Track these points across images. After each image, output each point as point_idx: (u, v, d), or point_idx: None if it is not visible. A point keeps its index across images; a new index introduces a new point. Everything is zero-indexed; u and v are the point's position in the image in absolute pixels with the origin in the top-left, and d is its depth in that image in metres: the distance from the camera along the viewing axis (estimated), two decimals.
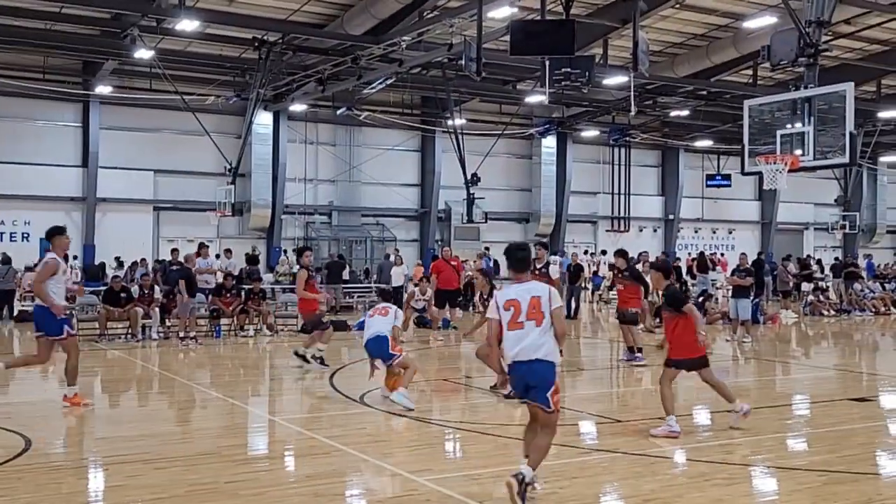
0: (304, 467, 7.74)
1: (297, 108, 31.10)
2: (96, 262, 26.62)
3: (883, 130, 35.07)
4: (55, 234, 10.28)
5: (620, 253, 15.14)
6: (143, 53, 23.80)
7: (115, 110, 30.36)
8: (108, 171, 30.37)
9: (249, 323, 18.89)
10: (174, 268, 19.37)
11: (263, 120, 31.38)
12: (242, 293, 19.22)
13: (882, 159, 42.40)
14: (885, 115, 32.52)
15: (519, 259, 6.50)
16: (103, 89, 28.54)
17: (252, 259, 23.81)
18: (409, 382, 10.12)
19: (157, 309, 17.77)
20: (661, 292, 9.37)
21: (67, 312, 10.88)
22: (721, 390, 8.99)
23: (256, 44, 25.03)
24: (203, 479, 7.05)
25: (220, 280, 19.23)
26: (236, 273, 20.94)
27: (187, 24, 21.71)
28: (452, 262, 21.60)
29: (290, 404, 10.64)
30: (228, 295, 18.74)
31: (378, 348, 10.35)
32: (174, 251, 21.63)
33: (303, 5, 24.39)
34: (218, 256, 22.76)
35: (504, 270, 21.54)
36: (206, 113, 29.35)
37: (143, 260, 25.60)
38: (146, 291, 18.03)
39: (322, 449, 8.21)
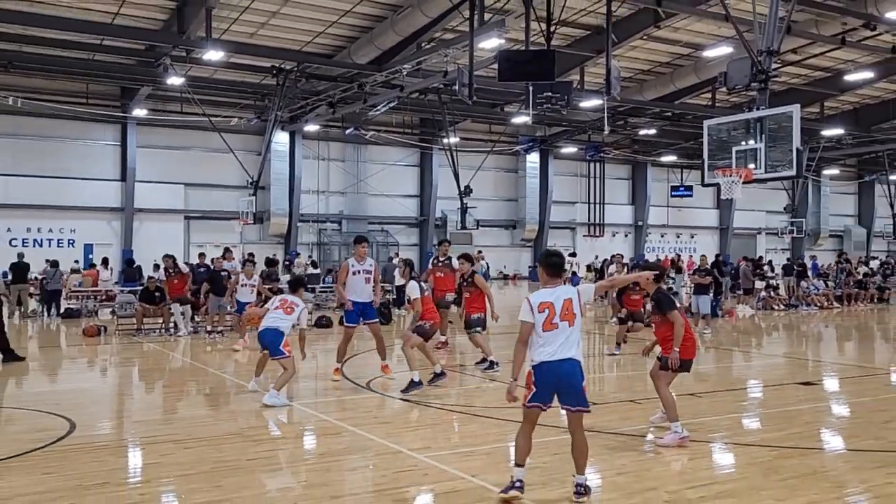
0: (318, 446, 7.73)
1: (311, 128, 31.11)
2: (133, 266, 26.53)
3: (825, 147, 35.17)
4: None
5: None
6: (175, 80, 23.80)
7: (150, 131, 30.38)
8: (144, 184, 30.39)
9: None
10: (202, 269, 19.31)
11: (281, 139, 31.44)
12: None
13: (825, 172, 42.52)
14: (827, 133, 32.62)
15: (552, 265, 6.04)
16: (139, 112, 28.57)
17: (270, 262, 23.75)
18: (283, 385, 9.34)
19: (187, 306, 17.64)
20: (650, 295, 8.26)
21: None
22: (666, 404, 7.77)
23: (274, 71, 25.07)
24: (227, 457, 7.02)
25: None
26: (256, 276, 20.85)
27: (213, 55, 21.71)
28: None
29: (304, 390, 10.58)
30: None
31: (271, 340, 9.56)
32: (201, 255, 21.57)
33: (315, 37, 24.44)
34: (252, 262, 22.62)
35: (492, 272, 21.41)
36: (231, 133, 29.42)
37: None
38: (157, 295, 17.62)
39: (333, 430, 8.19)
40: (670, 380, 7.80)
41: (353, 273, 10.84)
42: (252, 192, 29.95)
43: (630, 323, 14.74)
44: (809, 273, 29.41)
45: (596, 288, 6.87)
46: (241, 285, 15.84)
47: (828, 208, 45.93)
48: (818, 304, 26.00)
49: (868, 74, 27.84)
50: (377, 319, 11.20)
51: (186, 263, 25.75)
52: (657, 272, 7.96)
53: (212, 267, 19.06)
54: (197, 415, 9.29)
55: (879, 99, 33.13)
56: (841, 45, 23.45)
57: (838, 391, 11.19)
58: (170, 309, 17.07)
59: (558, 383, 5.82)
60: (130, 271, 23.98)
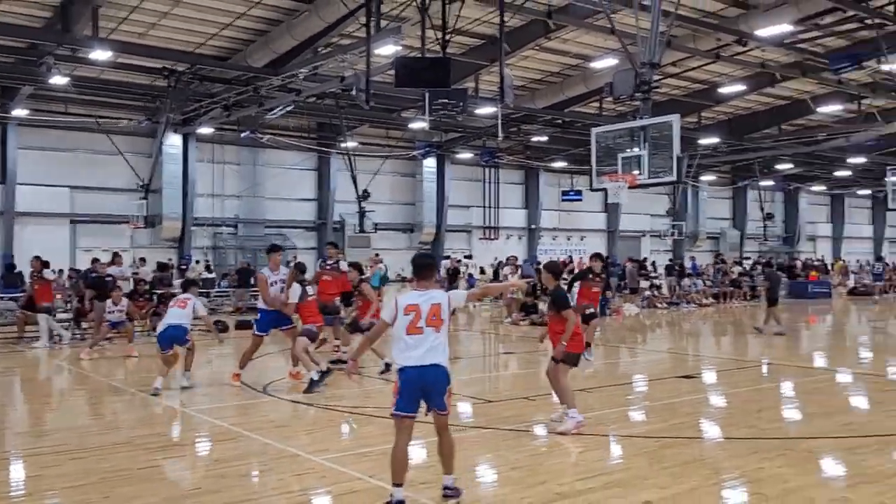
0: (213, 452, 7.51)
1: (205, 130, 30.19)
2: (14, 271, 25.11)
3: (703, 154, 36.67)
4: None
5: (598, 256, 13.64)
6: (59, 80, 22.65)
7: (33, 132, 28.75)
8: (26, 187, 28.77)
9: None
10: (94, 275, 18.49)
11: (173, 141, 30.38)
12: (154, 297, 18.53)
13: (703, 178, 44.32)
14: (704, 141, 34.03)
15: (418, 266, 5.99)
16: (20, 112, 27.00)
17: (163, 267, 23.11)
18: (191, 364, 10.78)
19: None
20: (548, 291, 8.44)
21: None
22: (562, 393, 8.06)
23: (166, 73, 24.22)
24: (118, 467, 6.73)
25: (133, 286, 18.51)
26: (149, 279, 20.18)
27: (100, 54, 20.77)
28: None
29: (199, 396, 10.27)
30: (141, 299, 18.02)
31: (177, 336, 10.50)
32: (94, 260, 20.65)
33: (209, 39, 23.77)
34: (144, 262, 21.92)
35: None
36: (120, 134, 28.35)
37: (60, 271, 24.32)
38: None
39: (228, 435, 7.98)
40: (567, 372, 8.07)
41: (271, 284, 10.78)
42: (143, 195, 28.94)
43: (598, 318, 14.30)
44: (690, 272, 30.73)
45: (468, 295, 6.71)
46: None
47: (705, 212, 47.83)
48: (697, 302, 27.14)
49: (740, 87, 29.21)
50: (293, 325, 11.06)
51: (72, 269, 24.70)
52: (529, 280, 8.35)
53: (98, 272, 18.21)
54: (84, 424, 8.88)
55: (751, 110, 34.82)
56: (716, 59, 24.52)
57: (715, 383, 11.67)
58: (55, 315, 16.28)
59: (423, 389, 5.68)
60: (11, 277, 22.75)
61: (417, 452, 7.18)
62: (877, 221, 56.53)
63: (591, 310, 12.38)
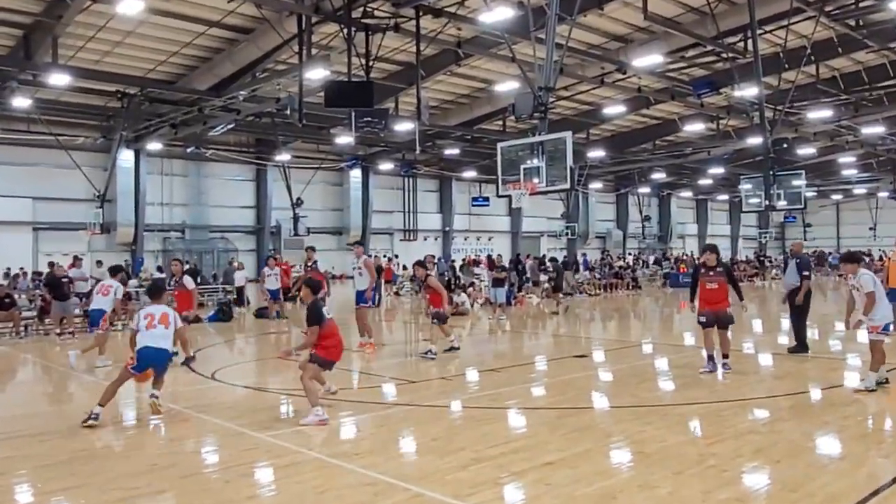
0: (167, 432, 7.29)
1: (154, 146, 29.27)
2: None
3: (592, 165, 37.65)
4: None
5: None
6: (21, 102, 21.62)
7: None
8: None
9: (118, 320, 17.42)
10: (49, 276, 17.63)
11: (126, 156, 29.41)
12: None
13: (591, 186, 45.41)
14: (592, 154, 34.90)
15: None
16: None
17: (116, 269, 22.21)
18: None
19: (17, 312, 15.95)
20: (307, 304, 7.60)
21: None
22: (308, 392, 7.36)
23: (119, 95, 23.47)
24: (82, 447, 6.49)
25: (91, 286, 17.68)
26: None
27: (60, 79, 19.91)
28: (282, 267, 21.07)
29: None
30: None
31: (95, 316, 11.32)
32: (51, 264, 19.79)
33: (158, 65, 23.08)
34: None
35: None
36: (78, 150, 27.40)
37: (25, 273, 23.31)
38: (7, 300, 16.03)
39: (181, 416, 7.76)
40: (316, 374, 7.50)
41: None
42: (99, 204, 28.12)
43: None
44: (581, 267, 31.42)
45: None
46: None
47: (594, 214, 49.03)
48: (588, 293, 27.78)
49: (621, 109, 30.03)
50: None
51: (35, 273, 23.64)
52: (312, 286, 7.59)
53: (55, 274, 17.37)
54: (49, 410, 8.50)
55: (630, 128, 35.88)
56: (600, 84, 25.17)
57: (604, 361, 11.95)
58: (20, 313, 15.45)
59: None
60: None
61: (350, 429, 7.15)
62: (733, 221, 59.14)
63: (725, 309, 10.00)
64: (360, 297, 12.70)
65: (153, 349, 7.44)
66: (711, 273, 9.97)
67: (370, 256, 33.24)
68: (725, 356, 9.90)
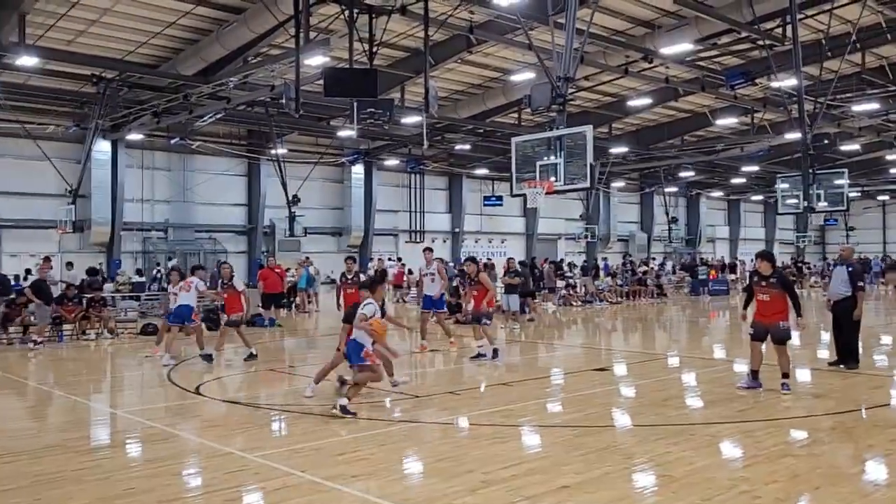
0: (145, 453, 7.29)
1: (135, 137, 29.25)
2: None
3: (613, 162, 37.59)
4: None
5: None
6: None
7: None
8: None
9: (91, 328, 17.52)
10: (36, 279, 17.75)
11: (102, 147, 29.31)
12: (84, 301, 17.87)
13: (613, 184, 45.36)
14: (614, 150, 34.87)
15: None
16: None
17: (92, 271, 22.39)
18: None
19: None
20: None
21: None
22: None
23: (95, 79, 23.43)
24: (48, 470, 6.47)
25: (63, 290, 17.81)
26: (77, 283, 19.48)
27: (27, 60, 19.94)
28: (277, 270, 21.14)
29: (130, 398, 9.94)
30: (70, 303, 17.35)
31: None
32: (43, 264, 19.93)
33: (138, 47, 23.05)
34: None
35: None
36: (47, 140, 27.29)
37: None
38: None
39: (161, 436, 7.75)
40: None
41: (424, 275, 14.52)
42: (71, 200, 27.79)
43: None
44: (602, 273, 31.38)
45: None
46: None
47: (616, 216, 48.89)
48: (609, 301, 27.74)
49: (647, 101, 30.02)
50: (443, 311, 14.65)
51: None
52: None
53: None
54: (13, 428, 8.49)
55: (656, 122, 35.84)
56: (624, 74, 25.10)
57: (626, 375, 11.94)
58: None
59: None
60: None
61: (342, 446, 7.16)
62: (768, 224, 58.94)
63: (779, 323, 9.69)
64: (429, 301, 14.26)
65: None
66: (764, 283, 9.75)
67: (391, 260, 33.59)
68: (784, 375, 9.70)
